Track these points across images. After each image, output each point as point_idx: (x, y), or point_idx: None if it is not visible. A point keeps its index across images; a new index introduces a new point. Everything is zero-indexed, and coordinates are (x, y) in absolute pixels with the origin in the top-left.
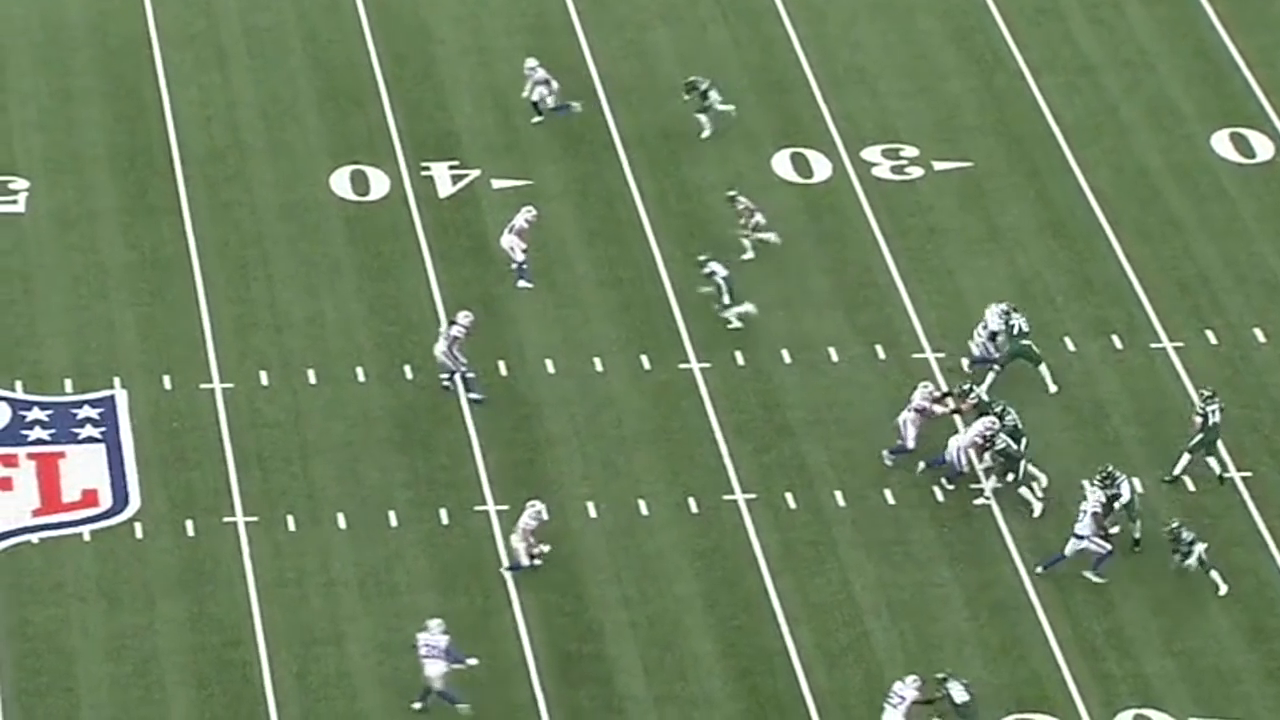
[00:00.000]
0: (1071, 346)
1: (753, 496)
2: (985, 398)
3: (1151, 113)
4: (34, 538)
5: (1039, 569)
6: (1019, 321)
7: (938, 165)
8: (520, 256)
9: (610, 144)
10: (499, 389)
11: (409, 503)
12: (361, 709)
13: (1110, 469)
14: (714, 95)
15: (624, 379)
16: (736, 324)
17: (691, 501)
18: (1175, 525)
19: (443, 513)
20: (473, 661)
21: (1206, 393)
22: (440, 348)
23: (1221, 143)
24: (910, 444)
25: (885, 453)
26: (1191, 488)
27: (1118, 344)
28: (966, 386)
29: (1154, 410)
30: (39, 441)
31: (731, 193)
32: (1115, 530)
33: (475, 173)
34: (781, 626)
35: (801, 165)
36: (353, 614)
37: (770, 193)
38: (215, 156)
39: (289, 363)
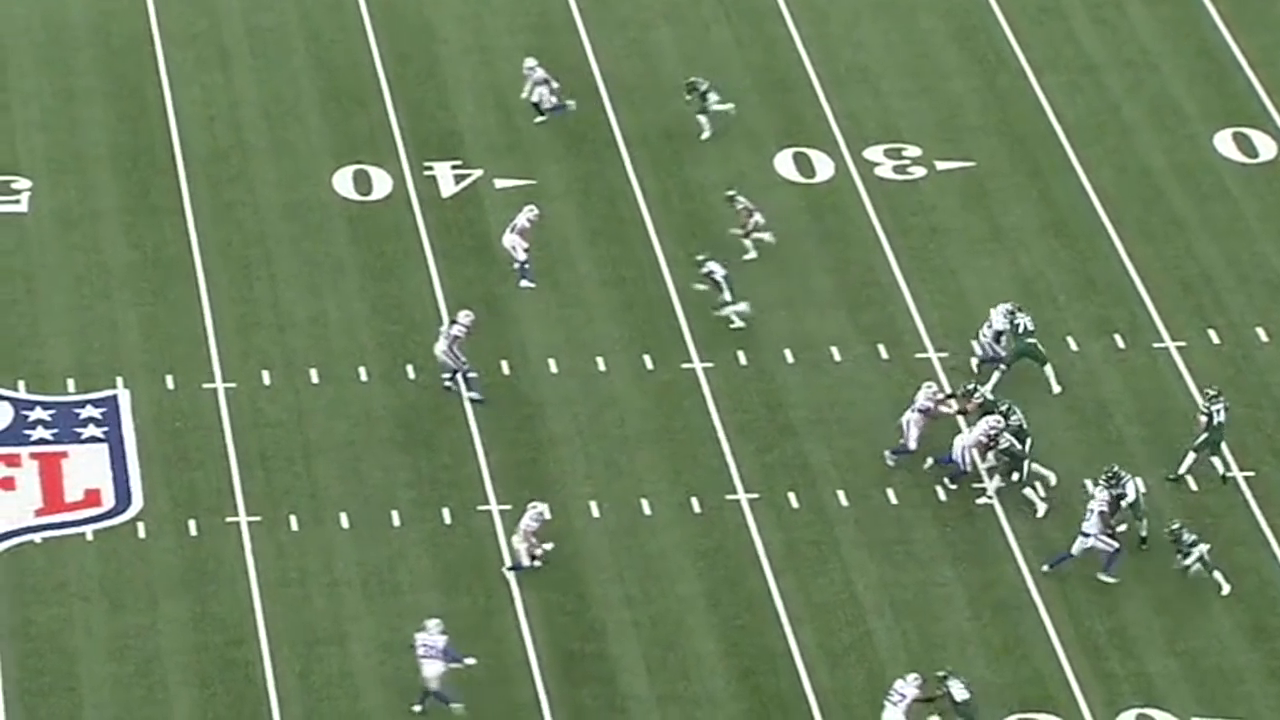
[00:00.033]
0: (1074, 346)
1: (755, 496)
2: (990, 397)
3: (1154, 112)
4: (37, 537)
5: (1045, 568)
6: (1024, 321)
7: (940, 165)
8: (522, 256)
9: (613, 143)
10: (502, 388)
11: (411, 502)
12: (364, 709)
13: (1115, 468)
14: (713, 96)
15: (626, 378)
16: (739, 324)
17: (694, 501)
18: (1176, 526)
19: (445, 512)
20: (471, 662)
21: (1211, 392)
22: (440, 347)
23: (1224, 142)
24: (912, 445)
25: (887, 453)
26: (1194, 487)
27: (1120, 344)
28: (971, 386)
29: (1156, 410)
30: (42, 441)
31: (730, 192)
32: (1123, 529)
33: (478, 172)
34: (784, 626)
35: (804, 165)
36: (355, 614)
37: (773, 192)
38: (218, 156)
39: (291, 362)
